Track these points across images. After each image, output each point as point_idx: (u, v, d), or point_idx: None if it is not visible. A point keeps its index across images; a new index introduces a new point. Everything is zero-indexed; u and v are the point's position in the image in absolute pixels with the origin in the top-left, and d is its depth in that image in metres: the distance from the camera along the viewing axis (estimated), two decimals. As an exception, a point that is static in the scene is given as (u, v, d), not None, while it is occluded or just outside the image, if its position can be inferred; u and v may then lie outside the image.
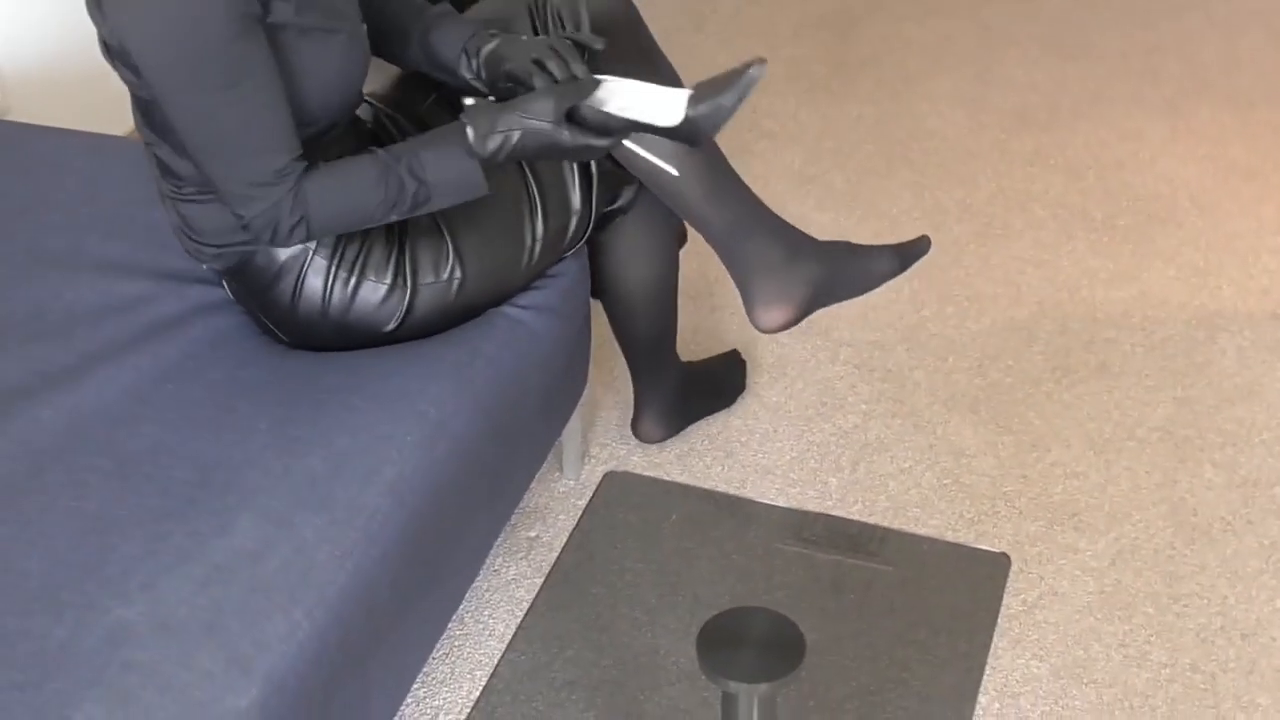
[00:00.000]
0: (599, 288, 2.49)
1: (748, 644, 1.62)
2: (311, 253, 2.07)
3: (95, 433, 1.96)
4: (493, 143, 1.96)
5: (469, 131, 1.97)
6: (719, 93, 1.99)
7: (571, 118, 1.97)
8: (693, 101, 2.00)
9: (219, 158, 1.90)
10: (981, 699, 2.26)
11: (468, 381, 2.07)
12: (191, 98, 1.85)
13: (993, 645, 2.33)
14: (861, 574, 2.12)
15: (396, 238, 2.11)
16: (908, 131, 3.57)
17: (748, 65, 2.00)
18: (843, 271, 2.31)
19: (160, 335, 2.12)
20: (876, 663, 2.03)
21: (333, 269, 2.08)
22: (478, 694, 2.08)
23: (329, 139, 2.03)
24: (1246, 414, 2.77)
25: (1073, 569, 2.47)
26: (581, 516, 2.05)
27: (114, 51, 1.91)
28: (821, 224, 3.23)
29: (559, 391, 2.37)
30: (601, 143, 1.98)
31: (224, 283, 2.19)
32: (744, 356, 2.84)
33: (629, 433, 2.70)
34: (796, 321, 2.31)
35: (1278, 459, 2.68)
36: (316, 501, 1.85)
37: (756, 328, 2.32)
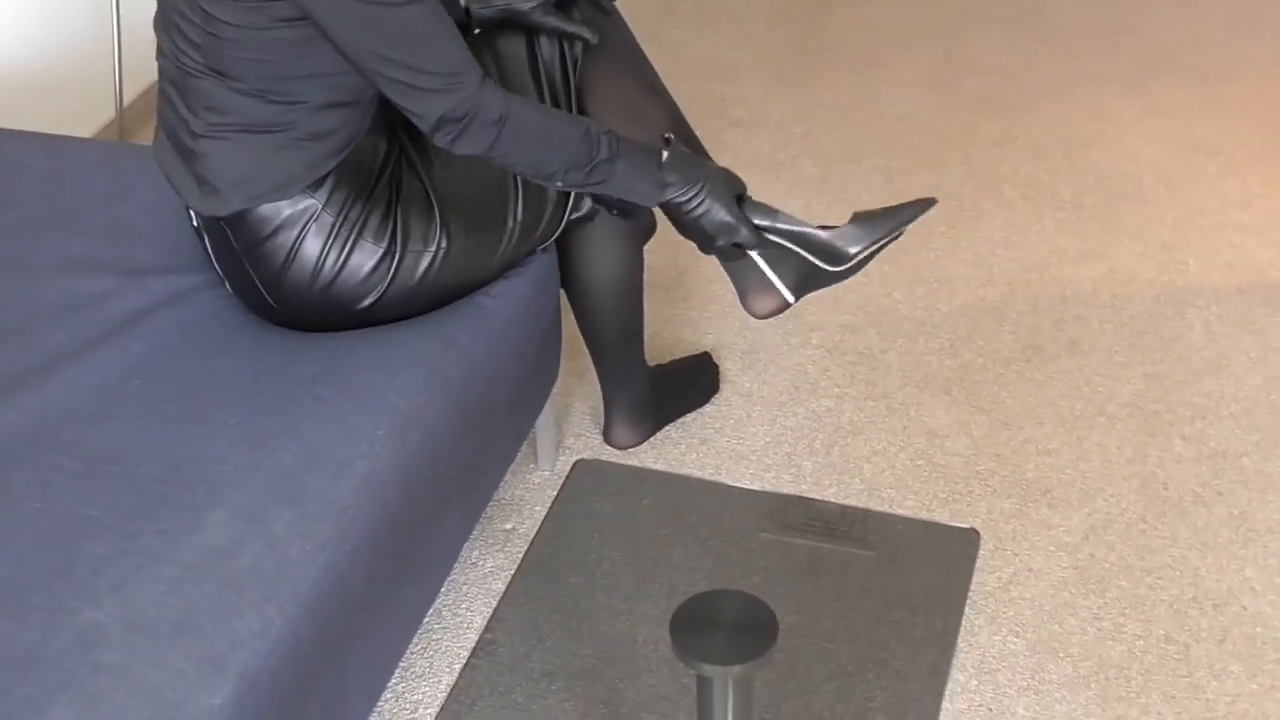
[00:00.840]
0: (565, 285, 2.50)
1: (721, 627, 1.62)
2: (320, 208, 2.09)
3: (62, 432, 1.95)
4: (676, 172, 2.16)
5: (664, 154, 2.15)
6: (876, 218, 2.26)
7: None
8: (852, 220, 2.25)
9: (417, 57, 1.95)
10: (959, 676, 2.26)
11: (439, 373, 2.07)
12: (389, 10, 1.91)
13: (969, 623, 2.34)
14: (837, 556, 2.12)
15: (395, 204, 2.14)
16: (877, 116, 3.57)
17: (917, 201, 2.27)
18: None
19: (126, 330, 2.11)
20: (854, 644, 2.04)
21: (336, 226, 2.10)
22: (458, 684, 2.08)
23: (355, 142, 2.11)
24: (1215, 387, 2.79)
25: (1047, 545, 2.48)
26: (553, 505, 2.05)
27: None
28: (792, 210, 3.20)
29: (531, 382, 2.37)
30: (747, 232, 2.21)
31: (206, 240, 2.18)
32: (716, 357, 2.84)
33: (601, 420, 2.70)
34: (787, 307, 2.34)
35: (1246, 430, 2.69)
36: (288, 496, 1.84)
37: (750, 314, 2.36)
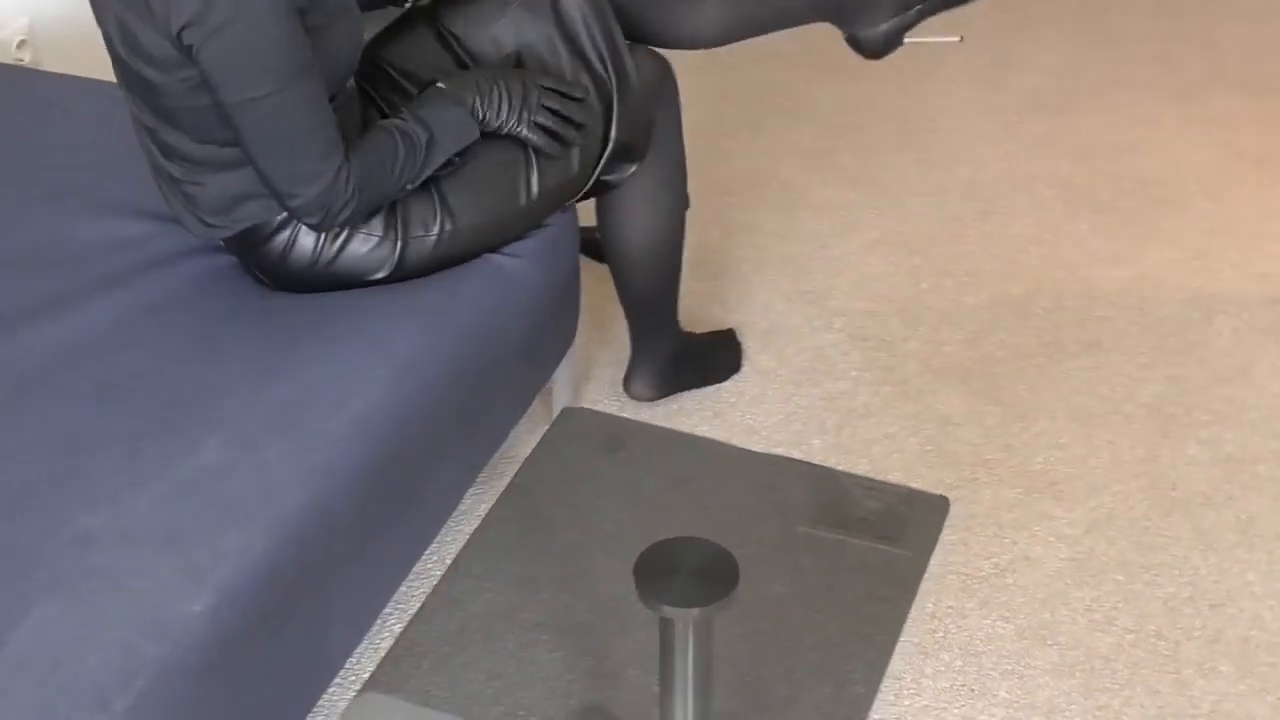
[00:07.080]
0: (605, 248, 2.55)
1: (682, 572, 1.66)
2: None
3: (81, 359, 2.03)
4: (469, 93, 2.21)
5: (440, 84, 2.21)
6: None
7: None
8: None
9: (282, 149, 1.99)
10: (945, 656, 2.29)
11: (441, 324, 2.12)
12: (270, 94, 1.93)
13: (960, 605, 2.37)
14: (809, 511, 2.13)
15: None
16: (919, 112, 3.59)
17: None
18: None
19: (151, 272, 2.18)
20: (826, 611, 2.06)
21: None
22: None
23: (334, 106, 2.10)
24: (1236, 393, 2.79)
25: (1047, 535, 2.50)
26: (535, 449, 2.09)
27: (161, 61, 1.96)
28: (824, 199, 3.26)
29: (543, 340, 2.41)
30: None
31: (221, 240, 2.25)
32: (740, 336, 2.89)
33: (622, 390, 2.74)
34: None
35: (1264, 437, 2.69)
36: (283, 427, 1.91)
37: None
